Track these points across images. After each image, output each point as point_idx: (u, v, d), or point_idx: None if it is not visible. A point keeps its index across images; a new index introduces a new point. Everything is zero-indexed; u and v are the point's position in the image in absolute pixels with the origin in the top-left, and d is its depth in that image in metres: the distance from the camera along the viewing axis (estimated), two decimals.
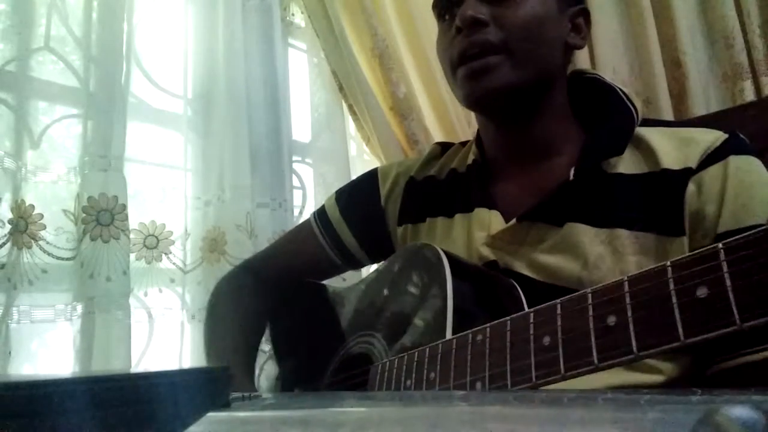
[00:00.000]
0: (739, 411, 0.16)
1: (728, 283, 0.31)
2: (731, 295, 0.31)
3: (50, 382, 0.21)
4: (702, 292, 0.32)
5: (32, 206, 0.86)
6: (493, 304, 0.60)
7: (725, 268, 0.31)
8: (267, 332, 0.86)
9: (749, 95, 1.32)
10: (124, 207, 0.92)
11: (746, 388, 0.28)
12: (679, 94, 1.34)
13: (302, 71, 1.35)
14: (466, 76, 0.65)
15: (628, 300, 0.35)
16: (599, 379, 0.56)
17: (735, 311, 0.30)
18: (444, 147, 0.84)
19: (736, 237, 0.31)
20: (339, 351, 0.73)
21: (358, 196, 0.86)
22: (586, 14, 0.71)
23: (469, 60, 0.65)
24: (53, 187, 0.92)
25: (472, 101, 0.68)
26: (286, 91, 1.27)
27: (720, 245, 0.32)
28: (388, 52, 1.33)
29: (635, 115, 0.66)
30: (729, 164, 0.58)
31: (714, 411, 0.17)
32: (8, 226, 0.83)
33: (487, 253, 0.67)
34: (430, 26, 1.38)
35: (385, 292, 0.69)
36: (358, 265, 0.90)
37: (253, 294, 0.84)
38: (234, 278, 0.88)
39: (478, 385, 0.42)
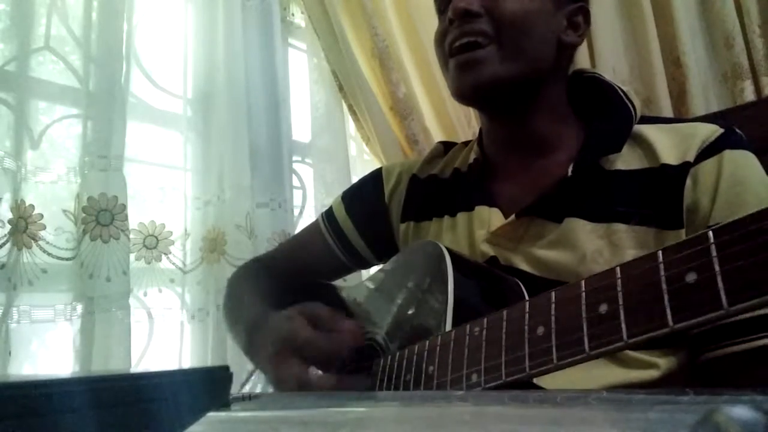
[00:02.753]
0: (739, 411, 0.16)
1: (716, 267, 0.31)
2: (719, 280, 0.31)
3: (50, 382, 0.21)
4: (691, 277, 0.32)
5: (32, 206, 0.86)
6: (495, 301, 0.60)
7: (714, 252, 0.31)
8: None
9: (749, 95, 1.32)
10: (124, 207, 0.92)
11: (746, 388, 0.28)
12: (679, 94, 1.35)
13: (302, 71, 1.35)
14: (455, 68, 0.66)
15: (619, 287, 0.35)
16: (595, 377, 0.56)
17: (723, 295, 0.30)
18: (447, 146, 0.85)
19: (725, 222, 0.31)
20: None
21: (362, 195, 0.87)
22: (585, 12, 0.71)
23: (458, 52, 0.66)
24: (53, 187, 0.92)
25: (460, 94, 0.68)
26: (286, 91, 1.27)
27: (709, 230, 0.32)
28: (388, 52, 1.33)
29: (633, 112, 0.66)
30: (724, 158, 0.59)
31: (714, 411, 0.17)
32: (8, 226, 0.83)
33: (488, 249, 0.67)
34: (429, 26, 1.38)
35: (390, 289, 0.69)
36: (365, 265, 0.91)
37: (268, 281, 0.84)
38: (248, 269, 0.88)
39: (474, 377, 0.42)
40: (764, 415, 0.16)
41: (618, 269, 0.36)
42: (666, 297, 0.33)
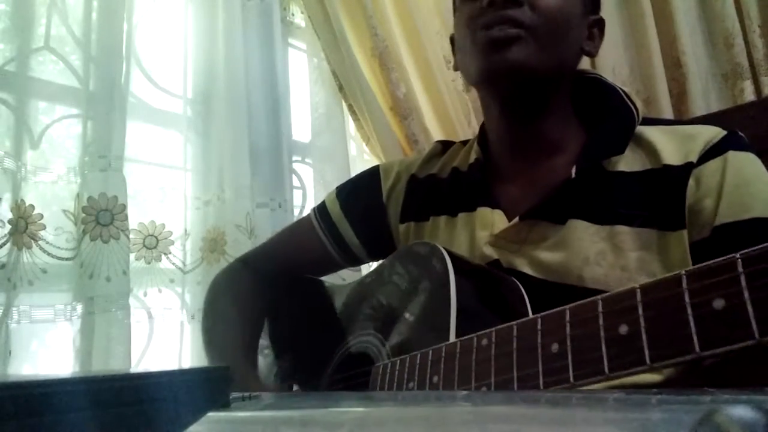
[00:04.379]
0: (740, 411, 0.16)
1: (746, 295, 0.30)
2: (750, 308, 0.30)
3: (50, 382, 0.21)
4: (719, 304, 0.31)
5: (32, 206, 0.86)
6: (496, 303, 0.60)
7: (743, 281, 0.30)
8: (265, 330, 0.86)
9: (749, 95, 1.32)
10: (124, 207, 0.92)
11: (747, 388, 0.28)
12: (679, 94, 1.35)
13: (302, 71, 1.35)
14: (487, 44, 0.64)
15: (640, 310, 0.34)
16: None
17: (754, 324, 0.30)
18: (445, 145, 0.84)
19: (754, 248, 0.31)
20: (338, 349, 0.72)
21: (359, 193, 0.86)
22: (601, 25, 0.72)
23: (495, 26, 0.64)
24: (53, 187, 0.92)
25: (486, 73, 0.66)
26: (286, 91, 1.27)
27: (737, 255, 0.31)
28: (388, 52, 1.33)
29: (636, 114, 0.66)
30: (728, 159, 0.59)
31: (714, 411, 0.17)
32: (8, 226, 0.83)
33: (490, 252, 0.67)
34: (430, 26, 1.38)
35: (387, 290, 0.69)
36: (357, 263, 0.90)
37: (251, 289, 0.84)
38: (231, 273, 0.87)
39: (484, 390, 0.42)
40: (764, 415, 0.16)
41: (638, 291, 0.35)
42: (692, 323, 0.32)
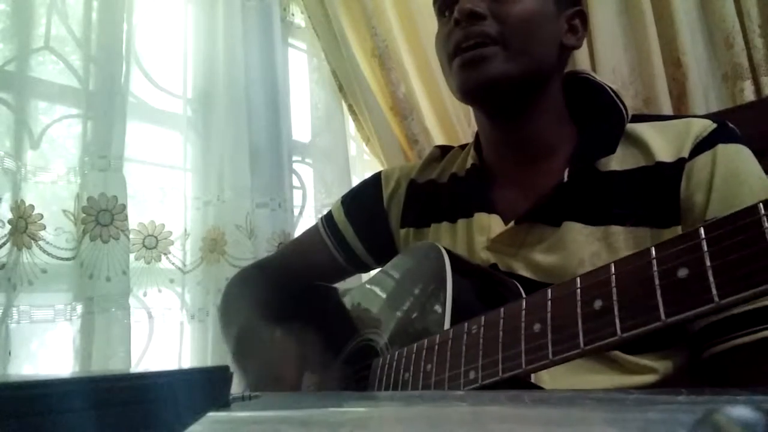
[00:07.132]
0: (739, 411, 0.16)
1: (707, 263, 0.32)
2: (710, 274, 0.31)
3: (50, 382, 0.21)
4: (683, 272, 0.33)
5: (32, 206, 0.86)
6: (493, 301, 0.60)
7: (705, 248, 0.32)
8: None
9: (749, 95, 1.32)
10: (124, 207, 0.92)
11: (747, 388, 0.28)
12: (679, 94, 1.34)
13: (302, 71, 1.35)
14: (460, 66, 0.66)
15: (613, 283, 0.36)
16: (593, 382, 0.56)
17: (713, 289, 0.31)
18: (444, 150, 0.85)
19: (714, 219, 0.32)
20: (344, 349, 0.73)
21: (362, 199, 0.87)
22: (582, 16, 0.72)
23: (464, 51, 0.65)
24: (53, 187, 0.92)
25: (465, 91, 0.68)
26: (286, 91, 1.27)
27: (700, 226, 0.33)
28: (388, 52, 1.33)
29: (625, 112, 0.66)
30: (717, 152, 0.59)
31: (714, 411, 0.17)
32: (8, 226, 0.83)
33: (488, 256, 0.67)
34: (430, 26, 1.38)
35: (389, 290, 0.70)
36: (365, 268, 0.91)
37: (265, 289, 0.85)
38: (246, 275, 0.89)
39: (471, 374, 0.43)
40: (764, 415, 0.16)
41: (612, 266, 0.37)
42: (659, 292, 0.34)
